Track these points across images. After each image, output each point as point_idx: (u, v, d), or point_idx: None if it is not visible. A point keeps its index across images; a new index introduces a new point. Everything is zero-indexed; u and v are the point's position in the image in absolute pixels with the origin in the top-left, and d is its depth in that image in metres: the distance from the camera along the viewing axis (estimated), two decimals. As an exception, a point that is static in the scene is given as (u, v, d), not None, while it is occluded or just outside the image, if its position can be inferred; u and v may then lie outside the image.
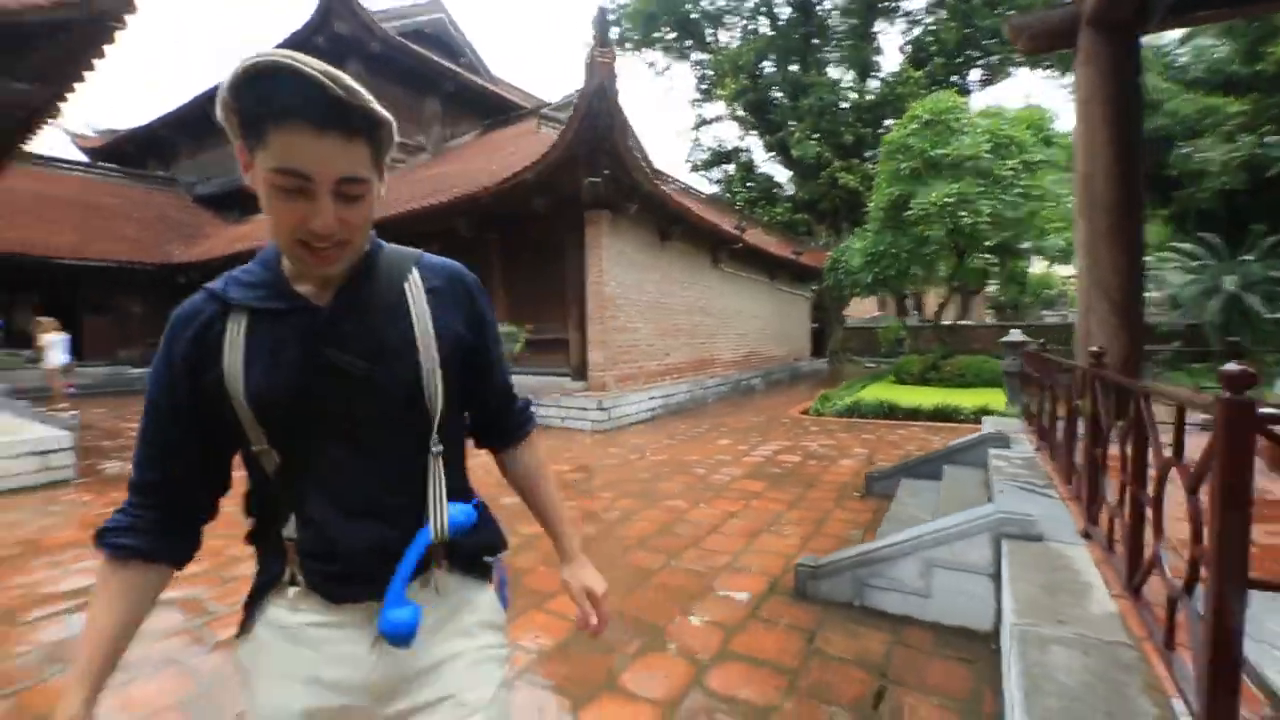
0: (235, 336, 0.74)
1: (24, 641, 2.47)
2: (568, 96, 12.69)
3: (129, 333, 15.06)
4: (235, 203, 17.52)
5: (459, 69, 17.00)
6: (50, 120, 6.24)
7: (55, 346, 10.55)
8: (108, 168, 18.12)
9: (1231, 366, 1.04)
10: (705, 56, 22.49)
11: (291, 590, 0.79)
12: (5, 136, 6.07)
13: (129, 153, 20.23)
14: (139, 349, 14.94)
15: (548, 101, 15.91)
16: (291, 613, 0.79)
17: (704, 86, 23.04)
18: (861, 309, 25.89)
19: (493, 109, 17.57)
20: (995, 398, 8.71)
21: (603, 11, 6.87)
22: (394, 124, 0.70)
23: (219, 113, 0.65)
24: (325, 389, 0.74)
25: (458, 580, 0.84)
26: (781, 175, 23.00)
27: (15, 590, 2.99)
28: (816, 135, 19.56)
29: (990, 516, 2.37)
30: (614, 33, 22.41)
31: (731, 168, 23.68)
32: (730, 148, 23.76)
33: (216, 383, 0.74)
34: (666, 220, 9.96)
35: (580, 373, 9.20)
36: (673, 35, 22.46)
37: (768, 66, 21.34)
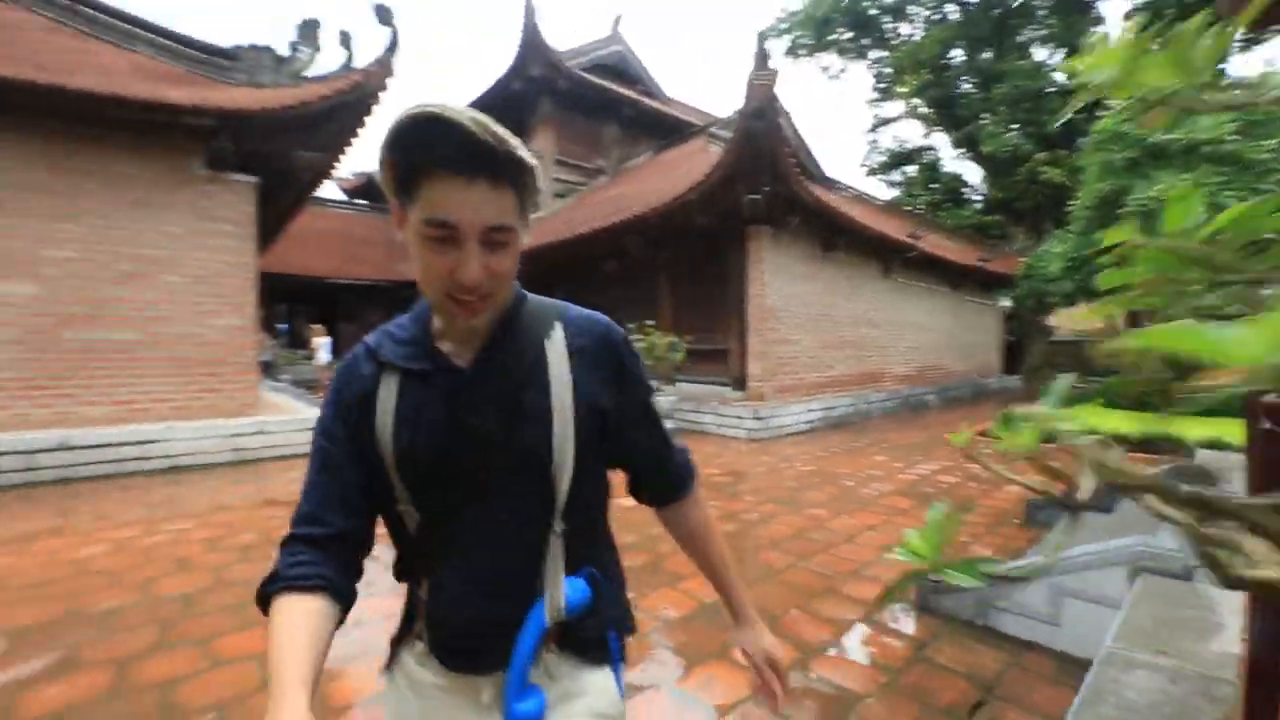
0: (387, 395, 0.77)
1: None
2: (735, 113, 13.06)
3: (372, 338, 18.64)
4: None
5: (636, 95, 18.24)
6: (329, 176, 8.14)
7: (323, 347, 13.46)
8: (359, 204, 22.35)
9: (1273, 398, 1.10)
10: (883, 54, 21.42)
11: (419, 645, 0.81)
12: (300, 191, 8.05)
13: (374, 190, 24.71)
14: (378, 351, 18.37)
15: (719, 117, 16.44)
16: (419, 667, 0.82)
17: (882, 85, 21.95)
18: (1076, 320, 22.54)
19: (667, 129, 18.54)
20: (1236, 430, 7.27)
21: (761, 36, 7.14)
22: (538, 169, 0.70)
23: (378, 172, 0.68)
24: (461, 452, 0.75)
25: (571, 664, 0.80)
26: (972, 174, 21.07)
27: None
28: (1015, 126, 17.67)
29: (1128, 548, 2.27)
30: (785, 41, 22.31)
31: (913, 169, 22.21)
32: (912, 148, 22.31)
33: (370, 439, 0.76)
34: (830, 231, 9.86)
35: (740, 383, 9.48)
36: (848, 35, 21.75)
37: (955, 56, 19.73)
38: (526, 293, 0.84)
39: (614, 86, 17.48)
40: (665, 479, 0.92)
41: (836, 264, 10.51)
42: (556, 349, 0.80)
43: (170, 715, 2.03)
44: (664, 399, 8.86)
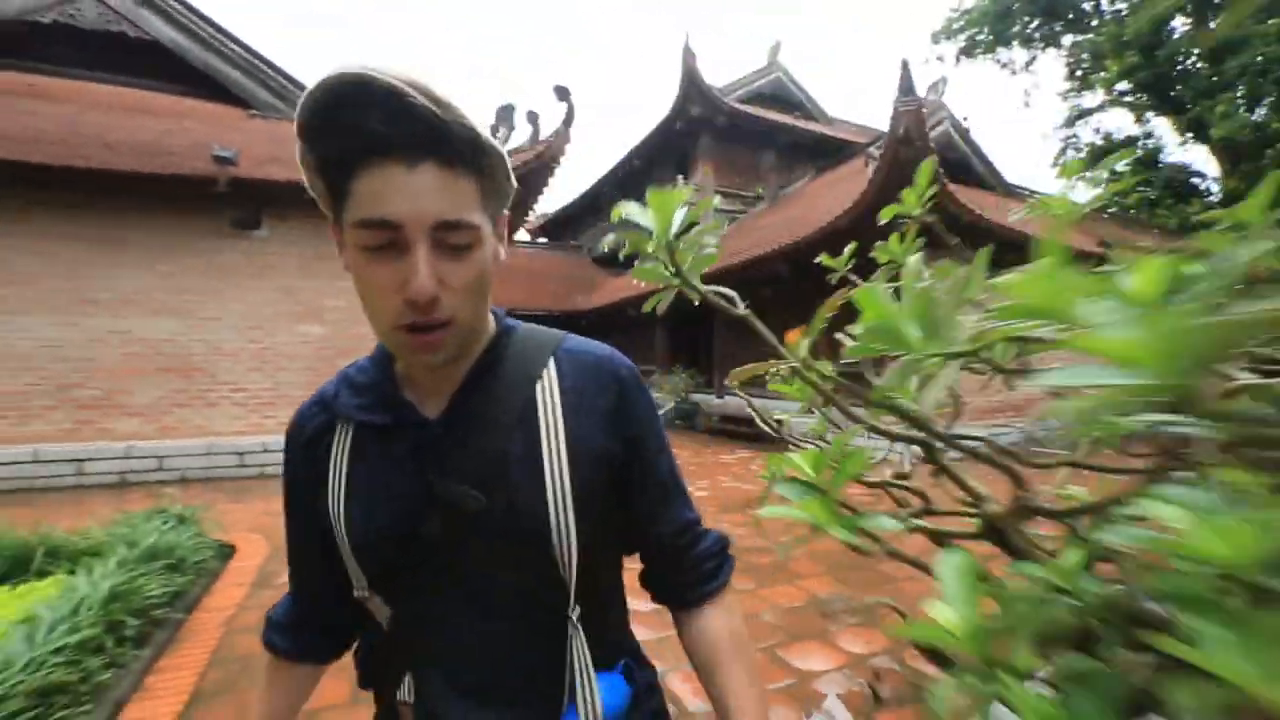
0: (339, 455, 0.64)
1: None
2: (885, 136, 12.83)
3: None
4: (616, 260, 22.40)
5: (792, 120, 18.46)
6: (521, 226, 9.75)
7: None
8: (540, 243, 25.31)
9: None
10: (1080, 38, 19.19)
11: None
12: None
13: (550, 229, 27.75)
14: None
15: (880, 133, 16.09)
16: None
17: (1079, 73, 19.63)
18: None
19: (825, 151, 18.49)
20: None
21: (905, 63, 7.23)
22: (505, 156, 0.56)
23: (306, 180, 0.54)
24: (432, 528, 0.60)
25: None
26: (1204, 163, 17.92)
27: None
28: (1267, 99, 14.86)
29: None
30: (960, 40, 20.99)
31: (1121, 164, 19.45)
32: (1120, 139, 19.57)
33: (323, 510, 0.64)
34: (996, 248, 9.30)
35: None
36: (1035, 23, 19.84)
37: (1176, 28, 17.07)
38: (517, 322, 0.73)
39: (769, 115, 17.90)
40: (686, 571, 0.71)
41: (1008, 280, 9.86)
42: (549, 390, 0.66)
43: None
44: (813, 422, 9.04)
